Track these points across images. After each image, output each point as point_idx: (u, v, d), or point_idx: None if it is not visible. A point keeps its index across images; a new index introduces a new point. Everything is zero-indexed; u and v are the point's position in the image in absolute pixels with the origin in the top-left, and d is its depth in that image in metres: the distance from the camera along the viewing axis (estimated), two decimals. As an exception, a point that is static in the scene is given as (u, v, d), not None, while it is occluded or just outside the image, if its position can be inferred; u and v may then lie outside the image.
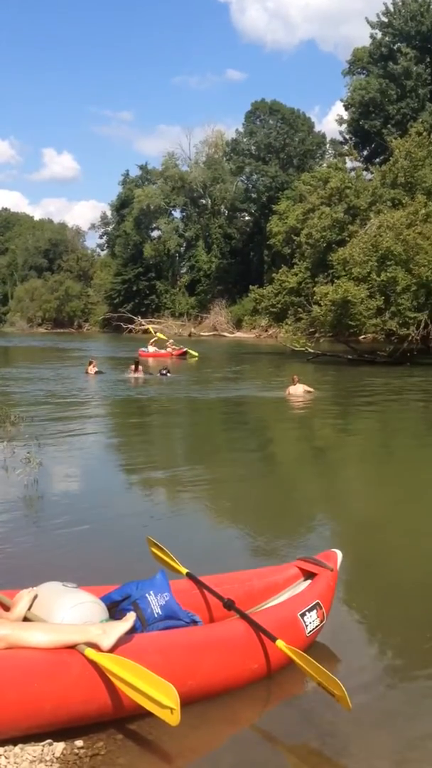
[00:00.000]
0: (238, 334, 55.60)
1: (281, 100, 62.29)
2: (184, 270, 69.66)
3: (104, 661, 2.96)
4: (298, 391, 16.29)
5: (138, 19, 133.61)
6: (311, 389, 16.49)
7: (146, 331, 45.47)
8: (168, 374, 21.47)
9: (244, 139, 62.52)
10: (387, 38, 49.09)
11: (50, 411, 13.83)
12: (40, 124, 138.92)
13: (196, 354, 31.35)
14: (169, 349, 31.70)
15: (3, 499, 7.03)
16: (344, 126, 52.76)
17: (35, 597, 3.28)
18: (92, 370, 21.70)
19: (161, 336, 35.98)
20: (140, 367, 21.76)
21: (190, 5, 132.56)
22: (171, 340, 34.31)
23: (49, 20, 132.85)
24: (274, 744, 3.17)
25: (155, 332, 39.01)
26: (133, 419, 14.20)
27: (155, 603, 3.44)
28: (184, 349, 31.76)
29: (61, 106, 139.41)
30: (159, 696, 2.85)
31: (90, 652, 2.99)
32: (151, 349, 31.97)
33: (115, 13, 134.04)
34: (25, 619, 3.19)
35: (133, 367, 21.75)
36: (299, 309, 29.57)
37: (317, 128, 64.08)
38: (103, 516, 6.71)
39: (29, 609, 3.23)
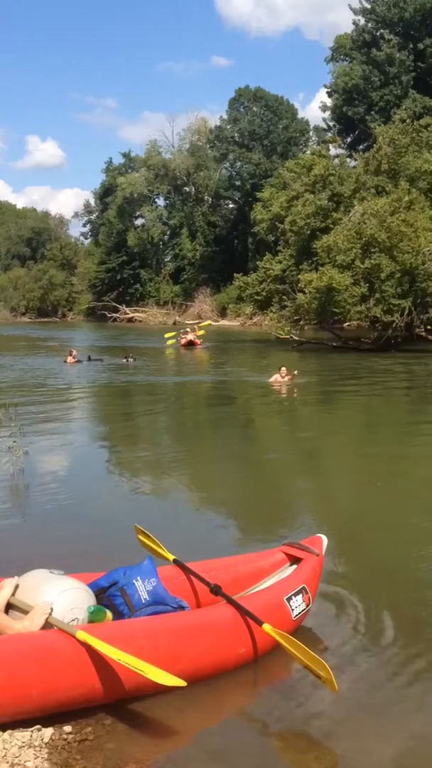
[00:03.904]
0: (223, 322, 55.44)
1: (266, 86, 62.18)
2: (168, 258, 69.31)
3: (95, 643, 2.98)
4: (281, 378, 16.30)
5: (122, 6, 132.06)
6: (292, 374, 16.45)
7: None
8: (132, 360, 22.73)
9: (228, 126, 62.16)
10: (370, 24, 48.91)
11: (32, 399, 13.75)
12: (24, 111, 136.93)
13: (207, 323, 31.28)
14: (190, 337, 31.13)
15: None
16: (328, 113, 52.66)
17: (17, 585, 3.28)
18: (71, 359, 21.87)
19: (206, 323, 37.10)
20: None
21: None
22: (188, 329, 33.75)
23: (33, 7, 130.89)
24: (262, 726, 3.20)
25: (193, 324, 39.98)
26: (116, 407, 14.17)
27: (142, 589, 3.46)
28: (190, 338, 30.45)
29: (45, 93, 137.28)
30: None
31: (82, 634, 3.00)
32: (190, 337, 31.53)
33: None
34: (9, 605, 3.20)
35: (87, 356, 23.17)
36: (284, 296, 29.54)
37: (302, 115, 63.96)
38: (89, 504, 6.73)
39: (13, 595, 3.23)
